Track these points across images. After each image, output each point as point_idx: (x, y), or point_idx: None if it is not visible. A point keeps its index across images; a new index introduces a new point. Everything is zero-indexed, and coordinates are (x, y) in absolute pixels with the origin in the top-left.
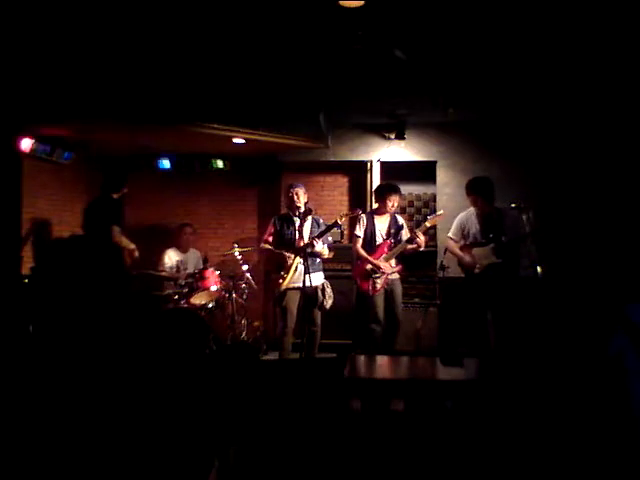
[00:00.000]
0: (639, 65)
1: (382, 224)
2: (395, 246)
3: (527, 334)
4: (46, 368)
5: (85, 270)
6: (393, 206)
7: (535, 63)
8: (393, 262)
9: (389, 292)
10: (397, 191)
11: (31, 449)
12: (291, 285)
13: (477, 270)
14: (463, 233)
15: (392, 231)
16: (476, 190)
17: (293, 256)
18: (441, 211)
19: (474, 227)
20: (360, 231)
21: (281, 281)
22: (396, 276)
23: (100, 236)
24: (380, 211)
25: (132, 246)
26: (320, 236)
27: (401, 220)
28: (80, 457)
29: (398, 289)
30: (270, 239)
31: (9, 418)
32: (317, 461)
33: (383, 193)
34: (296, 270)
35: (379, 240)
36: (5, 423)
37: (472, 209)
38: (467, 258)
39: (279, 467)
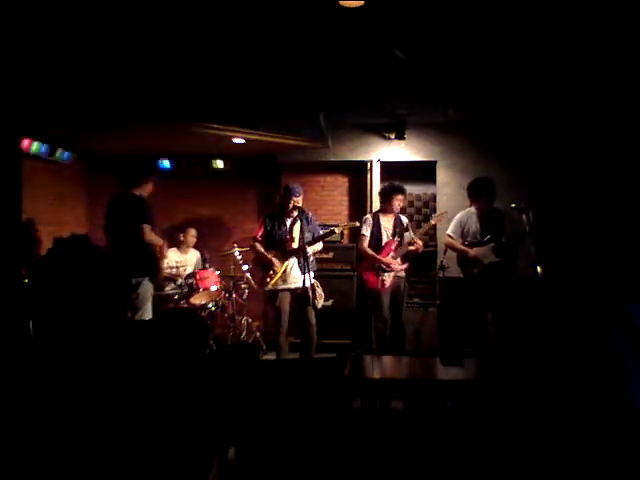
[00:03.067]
0: (639, 65)
1: (387, 224)
2: (400, 245)
3: (527, 334)
4: (46, 368)
5: (86, 271)
6: (399, 206)
7: (535, 63)
8: (398, 260)
9: (395, 290)
10: (403, 191)
11: (31, 448)
12: (283, 287)
13: (477, 270)
14: (463, 231)
15: (397, 230)
16: (481, 192)
17: (280, 264)
18: (444, 211)
19: (474, 226)
20: (367, 231)
21: (268, 280)
22: (402, 274)
23: (128, 234)
24: (385, 211)
25: (160, 242)
26: (312, 243)
27: (405, 220)
28: (79, 457)
29: (403, 287)
30: (260, 238)
31: (9, 418)
32: (317, 461)
33: (389, 194)
34: (285, 271)
35: (385, 239)
36: (5, 423)
37: (472, 208)
38: (472, 252)
39: (279, 467)
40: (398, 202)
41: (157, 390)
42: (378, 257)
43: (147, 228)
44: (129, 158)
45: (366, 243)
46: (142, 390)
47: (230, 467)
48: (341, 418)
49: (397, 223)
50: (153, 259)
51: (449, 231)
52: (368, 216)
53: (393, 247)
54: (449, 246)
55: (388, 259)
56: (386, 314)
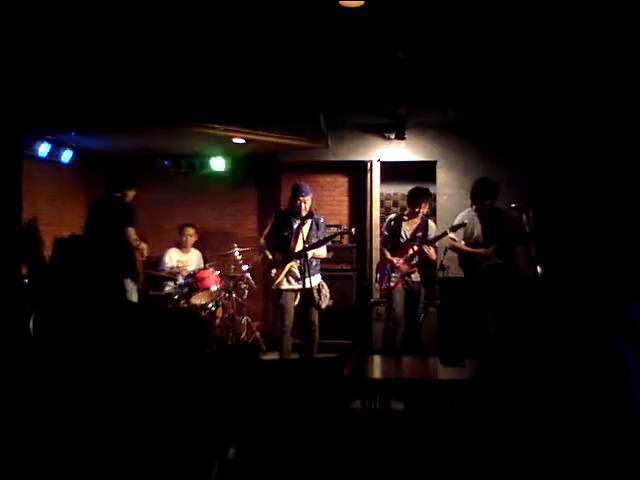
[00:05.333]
0: (639, 65)
1: (409, 227)
2: (420, 249)
3: (527, 334)
4: (46, 368)
5: (86, 270)
6: (422, 211)
7: (535, 63)
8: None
9: (409, 293)
10: (430, 197)
11: (30, 448)
12: (287, 287)
13: (480, 269)
14: (465, 233)
15: (418, 234)
16: (486, 195)
17: (280, 269)
18: (466, 220)
19: (476, 228)
20: (386, 230)
21: (273, 277)
22: (417, 278)
23: (109, 236)
24: (410, 214)
25: (143, 245)
26: (313, 247)
27: (432, 227)
28: (80, 457)
29: (420, 291)
30: (268, 235)
31: (9, 418)
32: (317, 461)
33: (417, 198)
34: (289, 273)
35: (402, 240)
36: (5, 423)
37: (472, 209)
38: (481, 250)
39: (279, 467)
40: (423, 207)
41: (157, 390)
42: (387, 256)
43: (132, 231)
44: (119, 163)
45: (384, 241)
46: (142, 390)
47: (230, 467)
48: (341, 418)
49: (420, 228)
50: (133, 260)
51: (452, 234)
52: (392, 215)
53: (410, 250)
54: (453, 249)
55: (395, 260)
56: (399, 315)
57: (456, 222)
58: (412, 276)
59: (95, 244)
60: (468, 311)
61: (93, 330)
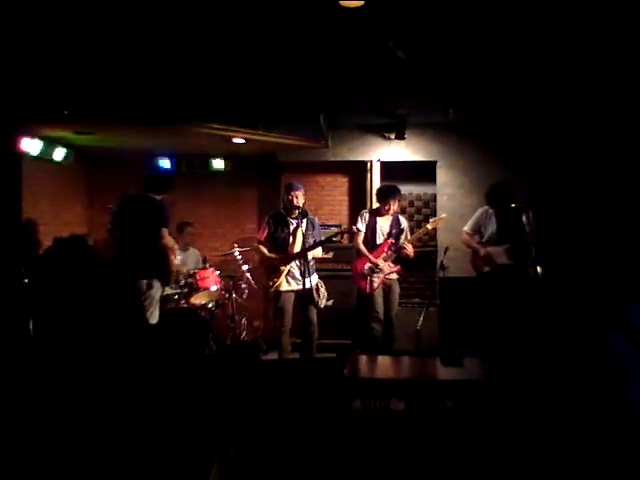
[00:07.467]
0: (639, 66)
1: (384, 223)
2: (394, 246)
3: (530, 334)
4: (46, 369)
5: (86, 271)
6: (392, 209)
7: (535, 63)
8: (389, 262)
9: (387, 291)
10: (399, 195)
11: (30, 449)
12: (287, 289)
13: (487, 269)
14: (480, 230)
15: (393, 231)
16: (499, 199)
17: (284, 266)
18: (444, 215)
19: (491, 226)
20: (362, 226)
21: (271, 283)
22: (394, 276)
23: (147, 236)
24: (381, 212)
25: (172, 243)
26: (312, 248)
27: (403, 222)
28: (79, 458)
29: (396, 289)
30: (264, 240)
31: (8, 418)
32: (317, 461)
33: (386, 196)
34: (288, 274)
35: (380, 239)
36: (4, 423)
37: (488, 207)
38: (483, 251)
39: (279, 467)
40: (393, 205)
41: (157, 390)
42: (369, 256)
43: (165, 232)
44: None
45: (361, 239)
46: (141, 390)
47: (230, 468)
48: (341, 418)
49: (394, 224)
50: (165, 260)
51: (466, 227)
52: (365, 212)
53: (386, 248)
54: (464, 243)
55: (378, 260)
56: (382, 316)
57: (471, 221)
58: (391, 275)
59: (124, 244)
60: (477, 310)
61: (92, 329)
